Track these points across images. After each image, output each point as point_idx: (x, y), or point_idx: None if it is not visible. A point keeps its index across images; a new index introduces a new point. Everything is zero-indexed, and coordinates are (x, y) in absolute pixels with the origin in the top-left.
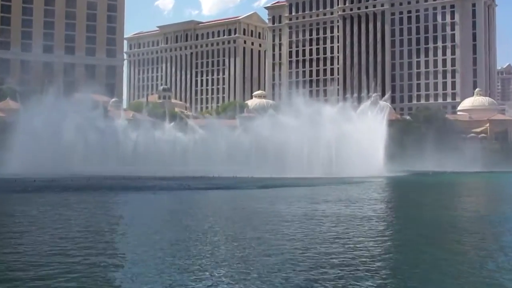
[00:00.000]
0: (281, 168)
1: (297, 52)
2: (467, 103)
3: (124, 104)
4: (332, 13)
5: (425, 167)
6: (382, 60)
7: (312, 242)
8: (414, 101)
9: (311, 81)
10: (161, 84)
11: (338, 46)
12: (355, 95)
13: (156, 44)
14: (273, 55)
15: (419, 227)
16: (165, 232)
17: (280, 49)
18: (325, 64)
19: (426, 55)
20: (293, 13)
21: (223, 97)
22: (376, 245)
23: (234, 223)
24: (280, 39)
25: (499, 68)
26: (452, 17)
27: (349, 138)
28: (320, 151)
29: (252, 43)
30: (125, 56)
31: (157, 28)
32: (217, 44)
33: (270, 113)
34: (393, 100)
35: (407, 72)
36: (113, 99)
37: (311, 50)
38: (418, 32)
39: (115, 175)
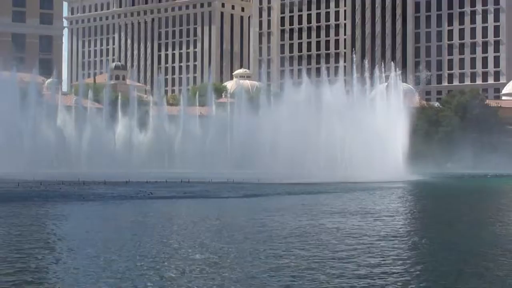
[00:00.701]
0: (270, 170)
1: (291, 18)
2: None
3: (64, 87)
4: None
5: (458, 168)
6: (402, 29)
7: (321, 267)
8: (445, 83)
9: (309, 56)
10: (113, 61)
11: (345, 10)
12: (367, 75)
13: (106, 8)
14: (260, 23)
15: (459, 253)
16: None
17: (269, 15)
18: (327, 35)
19: (461, 22)
20: None
21: (195, 78)
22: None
23: (221, 238)
24: (269, 2)
25: None
26: None
27: (359, 132)
28: (322, 150)
29: (233, 7)
30: (65, 23)
31: None
32: (187, 8)
33: (260, 99)
34: (416, 81)
35: (436, 45)
36: (50, 80)
37: (309, 16)
38: None
39: (50, 179)
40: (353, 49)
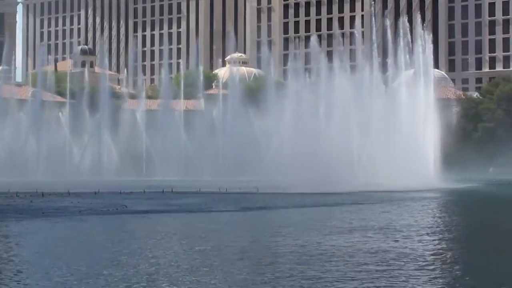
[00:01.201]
0: (271, 177)
1: None
2: None
3: (19, 75)
4: None
5: (503, 173)
6: (433, 2)
7: None
8: (486, 69)
9: (320, 37)
10: (79, 44)
11: None
12: (390, 60)
13: None
14: None
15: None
16: None
17: None
18: (341, 10)
19: None
20: None
21: (178, 64)
22: None
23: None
24: None
25: None
26: None
27: (380, 131)
28: (335, 153)
29: None
30: None
31: None
32: None
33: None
34: (451, 67)
35: (474, 22)
36: (1, 67)
37: None
38: None
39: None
40: (372, 28)
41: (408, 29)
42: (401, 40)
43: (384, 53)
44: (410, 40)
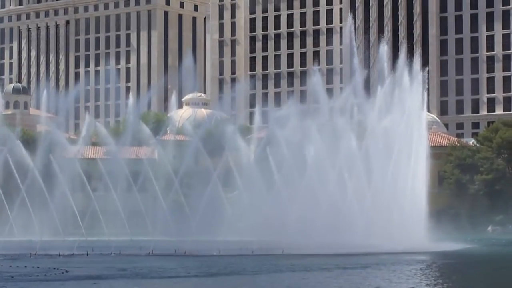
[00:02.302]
0: (242, 237)
1: (264, 20)
2: None
3: None
4: None
5: (504, 233)
6: (422, 35)
7: None
8: (483, 112)
9: (290, 74)
10: (10, 81)
11: (340, 9)
12: (372, 98)
13: (1, 6)
14: (221, 27)
15: None
16: None
17: (233, 15)
18: (316, 43)
19: (506, 24)
20: None
21: (127, 104)
22: None
23: None
24: None
25: None
26: None
27: (359, 183)
28: (302, 209)
29: (181, 4)
30: None
31: None
32: (116, 5)
33: (228, 130)
34: (443, 110)
35: (470, 57)
36: None
37: (290, 17)
38: None
39: None
40: (352, 63)
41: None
42: (385, 78)
43: (366, 92)
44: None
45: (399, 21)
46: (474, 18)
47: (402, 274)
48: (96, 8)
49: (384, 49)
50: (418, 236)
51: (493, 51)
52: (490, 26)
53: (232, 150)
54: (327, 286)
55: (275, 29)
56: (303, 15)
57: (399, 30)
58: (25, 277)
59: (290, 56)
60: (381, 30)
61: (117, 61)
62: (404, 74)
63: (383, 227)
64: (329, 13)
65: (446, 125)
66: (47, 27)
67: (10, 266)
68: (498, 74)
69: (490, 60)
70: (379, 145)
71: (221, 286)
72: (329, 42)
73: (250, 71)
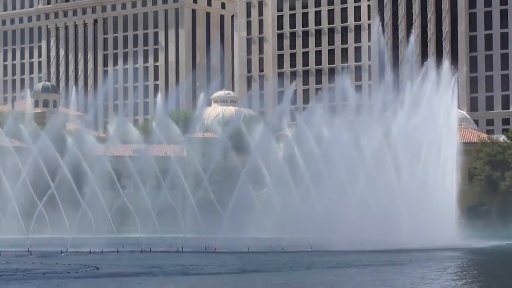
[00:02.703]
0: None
1: (292, 18)
2: None
3: None
4: None
5: None
6: (451, 29)
7: None
8: None
9: (318, 72)
10: (40, 80)
11: (368, 5)
12: (402, 96)
13: (29, 5)
14: (248, 24)
15: None
16: None
17: (260, 13)
18: (344, 41)
19: None
20: None
21: (156, 102)
22: None
23: None
24: None
25: None
26: None
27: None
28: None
29: (209, 2)
30: None
31: None
32: (144, 4)
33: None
34: (473, 106)
35: (500, 53)
36: None
37: (317, 13)
38: None
39: None
40: (381, 60)
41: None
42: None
43: (394, 89)
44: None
45: (428, 18)
46: (504, 14)
47: (434, 271)
48: (123, 6)
49: (413, 46)
50: (448, 233)
51: None
52: None
53: (260, 147)
54: (361, 283)
55: (303, 27)
56: (331, 12)
57: (427, 27)
58: (56, 274)
59: (318, 54)
60: (409, 27)
61: (145, 60)
62: (433, 71)
63: (413, 224)
64: (357, 10)
65: (476, 122)
66: (75, 26)
67: (42, 263)
68: None
69: None
70: (409, 142)
71: (253, 283)
72: (357, 39)
73: (278, 68)
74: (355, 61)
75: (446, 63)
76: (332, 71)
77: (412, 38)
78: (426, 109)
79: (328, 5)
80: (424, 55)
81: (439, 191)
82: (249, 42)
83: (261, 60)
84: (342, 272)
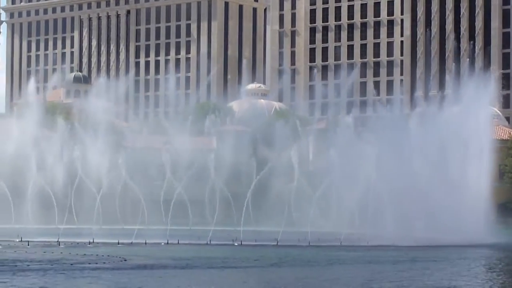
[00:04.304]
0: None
1: (324, 12)
2: None
3: (2, 106)
4: None
5: None
6: (484, 25)
7: None
8: None
9: (352, 65)
10: (71, 70)
11: (402, 1)
12: (434, 91)
13: None
14: (281, 18)
15: None
16: None
17: (293, 7)
18: (377, 36)
19: None
20: None
21: (187, 94)
22: None
23: None
24: None
25: None
26: None
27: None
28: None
29: None
30: (3, 16)
31: None
32: None
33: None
34: (505, 103)
35: None
36: None
37: (350, 8)
38: None
39: None
40: (414, 56)
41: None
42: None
43: (425, 86)
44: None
45: (461, 13)
46: None
47: (468, 267)
48: None
49: (446, 41)
50: (481, 230)
51: None
52: None
53: (291, 140)
54: (400, 278)
55: (335, 21)
56: (364, 7)
57: (460, 23)
58: (83, 264)
59: (350, 48)
60: (442, 22)
61: (177, 51)
62: (467, 67)
63: (447, 220)
64: (390, 4)
65: (508, 119)
66: (108, 17)
67: (70, 253)
68: None
69: None
70: (443, 139)
71: (284, 277)
72: (389, 34)
73: (310, 62)
74: (387, 56)
75: (479, 60)
76: (364, 66)
77: (445, 34)
78: (459, 106)
79: None
80: (456, 51)
81: (474, 187)
82: (281, 35)
83: (293, 54)
84: (376, 267)
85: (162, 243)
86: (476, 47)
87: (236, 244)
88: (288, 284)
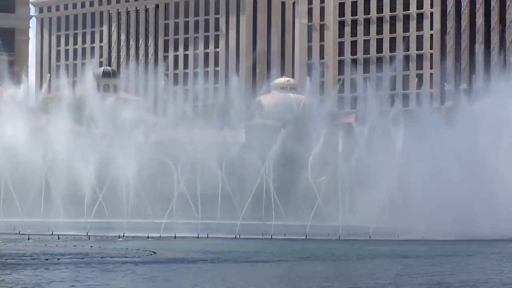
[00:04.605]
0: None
1: (353, 5)
2: None
3: (32, 100)
4: None
5: None
6: None
7: None
8: None
9: (381, 59)
10: (100, 65)
11: None
12: (464, 85)
13: None
14: (309, 11)
15: None
16: None
17: (322, 0)
18: (406, 30)
19: None
20: None
21: (216, 88)
22: None
23: None
24: None
25: None
26: None
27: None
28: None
29: None
30: (32, 10)
31: None
32: None
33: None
34: None
35: None
36: (11, 91)
37: (379, 1)
38: None
39: None
40: (443, 49)
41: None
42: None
43: (455, 80)
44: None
45: (491, 6)
46: None
47: (500, 262)
48: None
49: (476, 34)
50: None
51: None
52: None
53: (320, 135)
54: (434, 273)
55: (364, 14)
56: (393, 0)
57: (491, 16)
58: (114, 258)
59: (379, 41)
60: (472, 15)
61: (206, 45)
62: (497, 61)
63: (488, 215)
64: None
65: None
66: (137, 11)
67: (100, 247)
68: None
69: None
70: (474, 132)
71: (318, 271)
72: (419, 27)
73: (338, 56)
74: (417, 50)
75: (509, 53)
76: (393, 59)
77: (475, 27)
78: (492, 99)
79: None
80: (486, 44)
81: (506, 180)
82: (310, 29)
83: (321, 47)
84: (416, 262)
85: (193, 236)
86: (507, 40)
87: (267, 237)
88: (326, 278)
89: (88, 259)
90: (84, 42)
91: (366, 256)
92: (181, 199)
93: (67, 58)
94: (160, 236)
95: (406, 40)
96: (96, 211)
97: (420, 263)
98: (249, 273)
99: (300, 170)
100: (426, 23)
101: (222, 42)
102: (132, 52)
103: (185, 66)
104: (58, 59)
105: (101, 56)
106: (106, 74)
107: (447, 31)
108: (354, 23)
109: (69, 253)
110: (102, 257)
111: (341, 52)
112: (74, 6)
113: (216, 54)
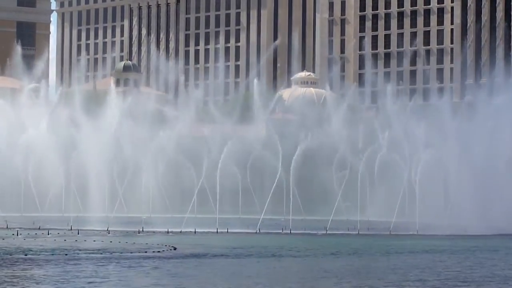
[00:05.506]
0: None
1: (374, 0)
2: None
3: (52, 94)
4: None
5: None
6: None
7: None
8: None
9: (401, 54)
10: (121, 59)
11: None
12: (484, 79)
13: None
14: (330, 6)
15: None
16: None
17: None
18: (427, 23)
19: None
20: None
21: (236, 83)
22: None
23: None
24: None
25: None
26: None
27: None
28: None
29: None
30: (53, 5)
31: None
32: None
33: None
34: None
35: None
36: (32, 85)
37: None
38: None
39: None
40: (464, 44)
41: None
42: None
43: (476, 74)
44: None
45: None
46: None
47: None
48: None
49: (496, 29)
50: None
51: None
52: None
53: (340, 129)
54: (461, 268)
55: (385, 9)
56: None
57: (511, 10)
58: (134, 253)
59: (400, 36)
60: (493, 10)
61: (227, 40)
62: None
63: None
64: None
65: None
66: (158, 6)
67: (119, 242)
68: None
69: None
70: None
71: (343, 266)
72: (439, 22)
73: (359, 50)
74: (437, 44)
75: None
76: (414, 54)
77: (496, 21)
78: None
79: None
80: (507, 39)
81: None
82: (330, 23)
83: (342, 42)
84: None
85: (213, 231)
86: None
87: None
88: (351, 273)
89: (108, 254)
90: (105, 36)
91: (389, 251)
92: (201, 194)
93: (87, 52)
94: (181, 231)
95: (427, 34)
96: (116, 206)
97: (445, 258)
98: (275, 268)
99: (320, 164)
100: (447, 17)
101: (243, 37)
102: (153, 46)
103: (206, 60)
104: (78, 53)
105: (121, 51)
106: (126, 69)
107: (468, 26)
108: (375, 17)
109: (89, 248)
110: (122, 252)
111: (361, 47)
112: (95, 0)
113: (237, 49)
